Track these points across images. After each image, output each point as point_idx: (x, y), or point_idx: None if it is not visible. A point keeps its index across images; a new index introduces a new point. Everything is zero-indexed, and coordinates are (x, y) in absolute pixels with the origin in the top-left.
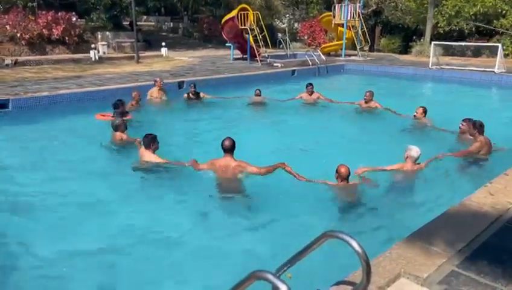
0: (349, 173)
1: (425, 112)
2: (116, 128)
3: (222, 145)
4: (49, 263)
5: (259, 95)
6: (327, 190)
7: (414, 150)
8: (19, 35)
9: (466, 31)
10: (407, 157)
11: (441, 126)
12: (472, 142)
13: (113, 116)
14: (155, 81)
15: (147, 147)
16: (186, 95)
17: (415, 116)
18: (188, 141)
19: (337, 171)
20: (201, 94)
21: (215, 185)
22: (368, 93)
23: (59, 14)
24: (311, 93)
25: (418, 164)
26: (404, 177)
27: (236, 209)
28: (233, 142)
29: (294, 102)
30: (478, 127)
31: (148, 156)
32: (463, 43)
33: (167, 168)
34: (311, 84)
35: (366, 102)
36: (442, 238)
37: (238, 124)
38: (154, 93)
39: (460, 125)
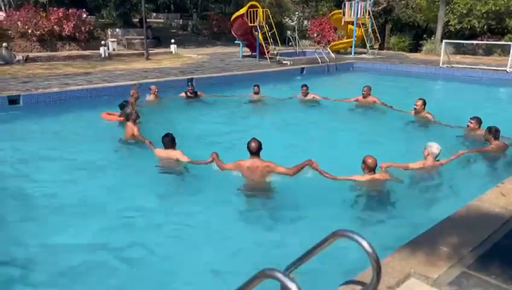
0: (376, 164)
1: (424, 104)
2: (127, 116)
3: (248, 147)
4: (59, 256)
5: (258, 93)
6: (351, 187)
7: (435, 147)
8: (30, 31)
9: (478, 30)
10: (428, 154)
11: (451, 124)
12: (487, 145)
13: (119, 116)
14: (150, 89)
15: (170, 146)
16: (184, 94)
17: (415, 108)
18: (191, 140)
19: (364, 162)
20: (199, 93)
21: (241, 185)
22: (365, 88)
23: (70, 10)
24: (305, 94)
25: (438, 160)
26: (426, 175)
27: (257, 208)
28: (260, 144)
29: (292, 100)
30: (494, 132)
31: (175, 154)
32: (474, 42)
33: (191, 167)
34: (305, 85)
35: (364, 97)
36: (453, 239)
37: (237, 122)
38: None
39: (469, 123)
